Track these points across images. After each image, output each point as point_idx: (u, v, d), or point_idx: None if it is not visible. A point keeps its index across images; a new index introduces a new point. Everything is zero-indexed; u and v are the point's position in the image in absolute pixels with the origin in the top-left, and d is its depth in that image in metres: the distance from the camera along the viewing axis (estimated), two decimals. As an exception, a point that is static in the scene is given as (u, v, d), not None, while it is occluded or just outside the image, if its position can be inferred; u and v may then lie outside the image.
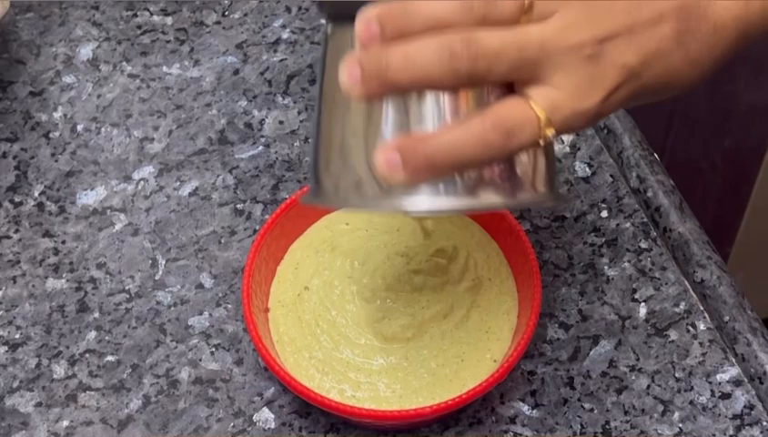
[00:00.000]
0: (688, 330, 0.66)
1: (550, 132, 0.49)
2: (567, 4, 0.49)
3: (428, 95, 0.49)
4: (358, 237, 0.68)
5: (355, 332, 0.64)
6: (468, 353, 0.63)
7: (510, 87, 0.50)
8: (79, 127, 0.77)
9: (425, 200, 0.49)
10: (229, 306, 0.68)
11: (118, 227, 0.72)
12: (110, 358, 0.67)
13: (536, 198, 0.52)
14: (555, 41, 0.48)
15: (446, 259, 0.66)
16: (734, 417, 0.63)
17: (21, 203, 0.73)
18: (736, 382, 0.64)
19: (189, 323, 0.68)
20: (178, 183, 0.74)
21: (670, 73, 0.51)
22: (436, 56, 0.47)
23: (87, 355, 0.67)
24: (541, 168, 0.51)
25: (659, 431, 0.63)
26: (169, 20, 0.82)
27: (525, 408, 0.64)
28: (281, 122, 0.76)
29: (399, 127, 0.49)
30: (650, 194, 0.71)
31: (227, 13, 0.82)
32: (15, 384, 0.66)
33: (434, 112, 0.49)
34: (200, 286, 0.69)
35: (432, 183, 0.49)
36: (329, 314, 0.65)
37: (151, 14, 0.82)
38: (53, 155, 0.76)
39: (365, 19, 0.48)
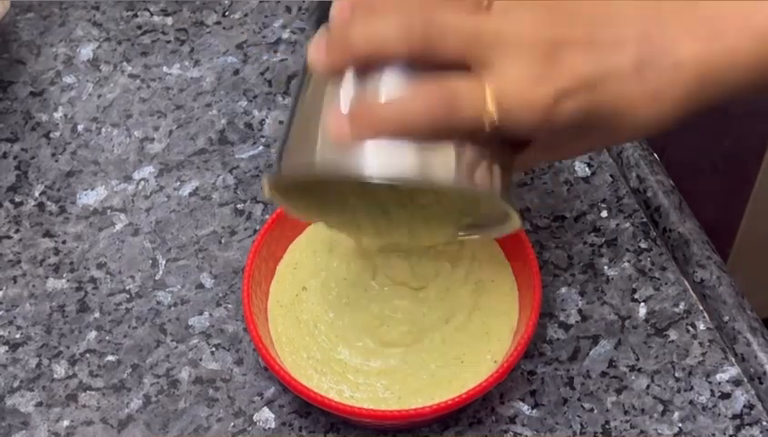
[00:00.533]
0: (688, 330, 0.66)
1: (494, 111, 0.49)
2: (529, 6, 0.50)
3: (386, 74, 0.50)
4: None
5: (353, 335, 0.64)
6: (468, 355, 0.63)
7: None
8: (80, 128, 0.77)
9: (375, 167, 0.50)
10: (229, 306, 0.69)
11: (119, 227, 0.72)
12: (110, 358, 0.67)
13: (488, 191, 0.52)
14: (513, 31, 0.49)
15: (449, 261, 0.66)
16: (734, 417, 0.63)
17: (21, 203, 0.74)
18: (736, 382, 0.64)
19: (189, 323, 0.68)
20: (179, 183, 0.74)
21: (626, 100, 0.51)
22: (394, 26, 0.49)
23: (88, 355, 0.67)
24: (498, 172, 0.52)
25: (659, 431, 0.63)
26: (169, 20, 0.82)
27: (525, 408, 0.64)
28: (281, 122, 0.76)
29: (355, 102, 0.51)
30: (649, 194, 0.71)
31: (227, 13, 0.82)
32: (16, 384, 0.66)
33: (391, 89, 0.50)
34: (200, 286, 0.69)
35: (386, 152, 0.50)
36: (327, 315, 0.65)
37: (151, 14, 0.82)
38: (53, 155, 0.76)
39: (339, 5, 0.50)
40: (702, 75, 0.51)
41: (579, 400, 0.64)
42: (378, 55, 0.50)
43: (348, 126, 0.49)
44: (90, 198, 0.74)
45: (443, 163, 0.50)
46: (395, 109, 0.49)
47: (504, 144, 0.52)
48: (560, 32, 0.50)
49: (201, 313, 0.68)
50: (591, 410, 0.64)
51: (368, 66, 0.50)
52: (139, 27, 0.82)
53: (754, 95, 0.54)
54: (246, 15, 0.82)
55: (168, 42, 0.81)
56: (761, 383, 0.64)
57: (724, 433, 0.63)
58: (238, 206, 0.73)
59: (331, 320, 0.64)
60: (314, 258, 0.67)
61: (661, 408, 0.64)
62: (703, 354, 0.65)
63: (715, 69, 0.51)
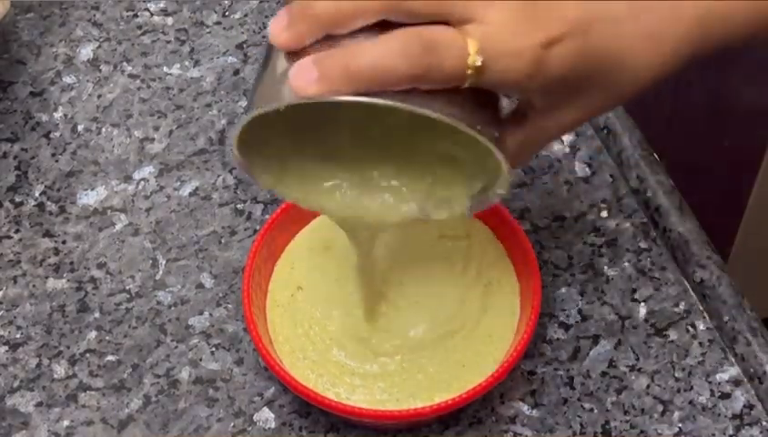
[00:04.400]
0: (687, 330, 0.66)
1: (477, 59, 0.46)
2: None
3: (356, 32, 0.47)
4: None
5: (345, 340, 0.63)
6: (470, 358, 0.63)
7: None
8: (80, 128, 0.77)
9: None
10: (229, 306, 0.69)
11: (119, 227, 0.72)
12: (110, 358, 0.67)
13: (468, 123, 0.48)
14: None
15: (460, 262, 0.65)
16: (734, 417, 0.63)
17: (21, 203, 0.74)
18: (736, 382, 0.64)
19: (190, 323, 0.68)
20: (179, 183, 0.74)
21: (622, 43, 0.48)
22: None
23: (88, 355, 0.67)
24: (481, 112, 0.49)
25: (659, 431, 0.63)
26: (170, 20, 0.82)
27: (525, 408, 0.64)
28: (281, 122, 0.76)
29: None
30: (649, 194, 0.71)
31: (227, 13, 0.82)
32: (16, 384, 0.66)
33: (362, 40, 0.47)
34: (200, 286, 0.69)
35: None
36: (322, 317, 0.64)
37: (151, 14, 0.82)
38: (53, 155, 0.76)
39: None
40: (702, 16, 0.49)
41: (579, 400, 0.64)
42: (344, 20, 0.46)
43: (315, 77, 0.45)
44: (90, 198, 0.74)
45: (423, 94, 0.47)
46: (368, 57, 0.45)
47: (490, 107, 0.49)
48: None
49: (201, 313, 0.68)
50: (591, 410, 0.64)
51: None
52: (139, 27, 0.82)
53: (757, 38, 0.51)
54: (246, 15, 0.82)
55: (168, 42, 0.81)
56: (761, 383, 0.64)
57: (724, 433, 0.63)
58: (238, 206, 0.73)
59: (324, 323, 0.64)
60: (310, 257, 0.66)
61: (661, 408, 0.64)
62: (703, 354, 0.65)
63: (715, 11, 0.49)
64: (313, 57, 0.46)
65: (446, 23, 0.47)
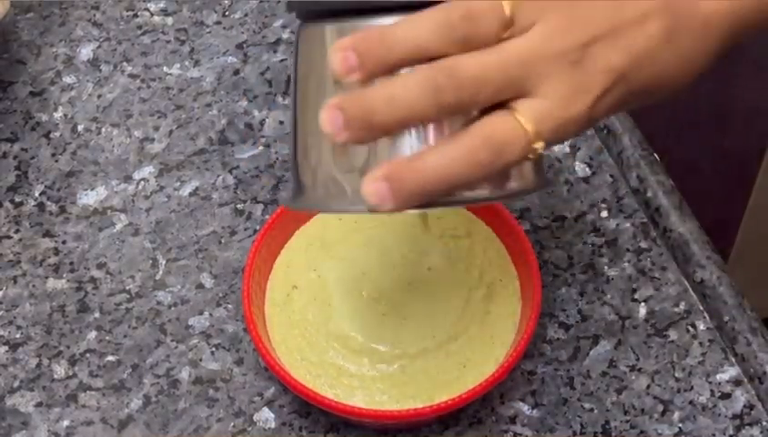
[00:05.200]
0: (688, 330, 0.66)
1: (539, 145, 0.47)
2: (548, 11, 0.48)
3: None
4: (351, 232, 0.67)
5: (340, 343, 0.63)
6: (471, 360, 0.63)
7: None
8: (80, 128, 0.77)
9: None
10: (229, 306, 0.69)
11: (119, 227, 0.72)
12: (110, 358, 0.67)
13: (524, 187, 0.50)
14: (537, 53, 0.47)
15: (462, 262, 0.65)
16: (734, 417, 0.63)
17: (21, 203, 0.74)
18: (736, 382, 0.64)
19: (189, 323, 0.68)
20: (179, 183, 0.74)
21: (661, 72, 0.50)
22: (420, 92, 0.46)
23: (88, 355, 0.67)
24: (530, 168, 0.50)
25: (659, 431, 0.63)
26: (170, 20, 0.82)
27: (525, 408, 0.64)
28: (281, 122, 0.76)
29: (384, 149, 0.48)
30: (650, 194, 0.71)
31: (227, 13, 0.82)
32: (16, 384, 0.66)
33: (419, 130, 0.48)
34: (200, 286, 0.69)
35: None
36: (317, 317, 0.64)
37: (151, 14, 0.82)
38: (53, 155, 0.76)
39: (341, 50, 0.46)
40: (732, 23, 0.50)
41: (579, 400, 0.64)
42: (406, 123, 0.47)
43: (389, 196, 0.46)
44: (90, 198, 0.74)
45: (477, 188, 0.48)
46: (439, 172, 0.46)
47: None
48: (584, 32, 0.48)
49: (201, 313, 0.68)
50: (591, 410, 0.64)
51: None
52: (139, 27, 0.82)
53: None
54: (246, 15, 0.82)
55: (168, 42, 0.81)
56: (761, 383, 0.64)
57: (724, 433, 0.63)
58: (238, 206, 0.73)
59: (320, 323, 0.64)
60: (306, 255, 0.66)
61: (661, 408, 0.64)
62: (703, 354, 0.65)
63: (743, 15, 0.50)
64: (383, 174, 0.46)
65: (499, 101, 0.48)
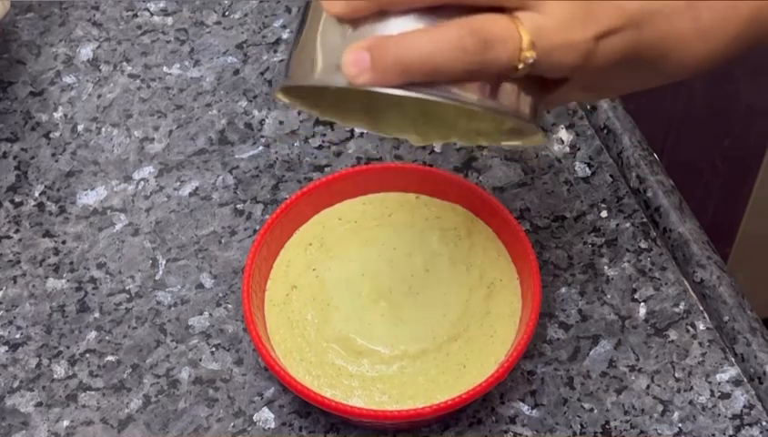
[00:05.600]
0: (688, 330, 0.66)
1: (530, 54, 0.46)
2: None
3: (409, 12, 0.47)
4: (350, 232, 0.67)
5: (339, 345, 0.63)
6: (471, 360, 0.63)
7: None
8: (79, 128, 0.77)
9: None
10: (229, 306, 0.69)
11: (119, 227, 0.72)
12: (110, 358, 0.67)
13: (514, 108, 0.49)
14: None
15: (463, 262, 0.65)
16: (734, 417, 0.63)
17: (21, 203, 0.74)
18: (736, 382, 0.64)
19: (189, 323, 0.68)
20: (179, 183, 0.74)
21: (675, 37, 0.48)
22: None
23: (88, 355, 0.67)
24: (525, 96, 0.49)
25: (659, 431, 0.63)
26: (169, 20, 0.82)
27: (525, 408, 0.64)
28: (281, 122, 0.76)
29: (373, 30, 0.47)
30: (649, 194, 0.71)
31: (227, 13, 0.82)
32: (16, 384, 0.66)
33: (414, 19, 0.47)
34: (200, 286, 0.69)
35: None
36: (317, 317, 0.64)
37: (151, 14, 0.82)
38: (53, 155, 0.76)
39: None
40: (755, 14, 0.49)
41: (579, 400, 0.64)
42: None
43: (368, 66, 0.45)
44: (90, 198, 0.74)
45: (470, 86, 0.47)
46: (421, 49, 0.45)
47: (533, 77, 0.49)
48: None
49: (201, 313, 0.68)
50: (591, 410, 0.64)
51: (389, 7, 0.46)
52: (139, 27, 0.82)
53: None
54: (246, 15, 0.82)
55: (168, 42, 0.81)
56: (761, 383, 0.64)
57: (724, 433, 0.63)
58: (238, 206, 0.73)
59: (318, 324, 0.64)
60: (305, 255, 0.66)
61: (661, 408, 0.64)
62: (703, 354, 0.65)
63: (766, 11, 0.49)
64: (367, 44, 0.46)
65: (500, 7, 0.46)
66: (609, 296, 0.68)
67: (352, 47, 0.46)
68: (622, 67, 0.49)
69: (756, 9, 0.49)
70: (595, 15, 0.47)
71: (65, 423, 0.65)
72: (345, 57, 0.46)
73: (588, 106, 0.75)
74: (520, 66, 0.46)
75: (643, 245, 0.69)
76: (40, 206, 0.73)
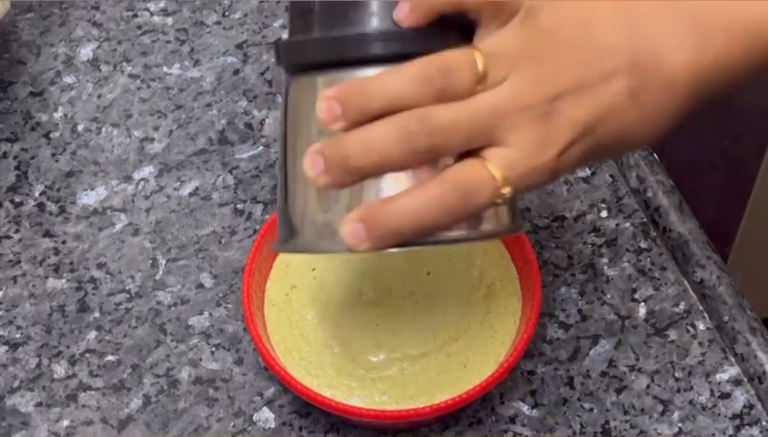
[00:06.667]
0: (687, 330, 0.66)
1: (506, 190, 0.50)
2: (518, 66, 0.50)
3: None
4: None
5: (343, 340, 0.63)
6: (471, 360, 0.63)
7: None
8: (80, 128, 0.77)
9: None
10: (229, 306, 0.69)
11: (119, 227, 0.72)
12: (110, 358, 0.67)
13: (498, 230, 0.53)
14: (507, 105, 0.49)
15: (463, 262, 0.65)
16: (734, 417, 0.63)
17: (21, 203, 0.74)
18: (736, 382, 0.64)
19: (189, 323, 0.68)
20: (179, 183, 0.74)
21: (626, 129, 0.51)
22: (394, 138, 0.48)
23: (88, 355, 0.67)
24: (504, 210, 0.53)
25: (658, 431, 0.63)
26: (169, 20, 0.82)
27: (525, 408, 0.64)
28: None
29: (360, 191, 0.50)
30: (649, 194, 0.71)
31: (227, 13, 0.82)
32: (16, 384, 0.66)
33: (397, 176, 0.50)
34: (200, 286, 0.70)
35: None
36: (317, 317, 0.64)
37: (151, 14, 0.83)
38: (53, 155, 0.76)
39: (326, 100, 0.49)
40: (696, 82, 0.52)
41: (579, 400, 0.64)
42: (381, 168, 0.49)
43: (365, 237, 0.49)
44: (90, 198, 0.74)
45: (455, 227, 0.51)
46: (410, 213, 0.49)
47: None
48: (552, 86, 0.50)
49: (201, 313, 0.68)
50: (591, 410, 0.64)
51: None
52: (139, 27, 0.82)
53: (753, 80, 0.54)
54: (246, 15, 0.82)
55: (168, 42, 0.81)
56: (761, 383, 0.64)
57: (724, 433, 0.63)
58: (238, 206, 0.73)
59: (318, 324, 0.64)
60: (305, 255, 0.66)
61: (661, 408, 0.64)
62: (703, 354, 0.65)
63: (707, 75, 0.52)
64: (359, 216, 0.49)
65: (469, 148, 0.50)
66: (609, 296, 0.68)
67: (346, 220, 0.49)
68: (584, 163, 0.53)
69: (697, 77, 0.52)
70: (553, 137, 0.50)
71: (65, 423, 0.65)
72: (341, 230, 0.49)
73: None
74: (499, 200, 0.50)
75: (643, 245, 0.69)
76: (40, 206, 0.73)
